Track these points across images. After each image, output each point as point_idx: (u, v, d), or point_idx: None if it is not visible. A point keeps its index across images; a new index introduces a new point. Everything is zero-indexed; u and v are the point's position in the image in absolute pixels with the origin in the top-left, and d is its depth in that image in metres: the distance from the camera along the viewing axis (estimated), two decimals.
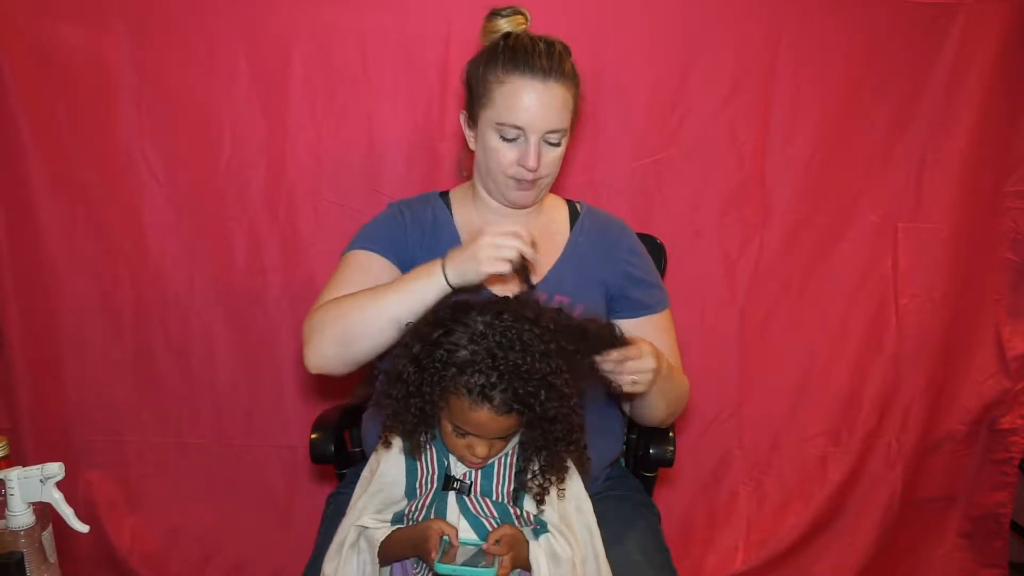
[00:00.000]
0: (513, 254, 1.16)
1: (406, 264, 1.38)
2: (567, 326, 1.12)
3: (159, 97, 1.85)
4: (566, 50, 1.35)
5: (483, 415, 1.04)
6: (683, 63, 1.87)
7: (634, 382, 1.19)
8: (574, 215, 1.49)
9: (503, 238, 1.17)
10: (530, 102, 1.29)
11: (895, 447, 2.08)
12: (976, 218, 2.00)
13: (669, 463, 1.52)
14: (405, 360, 1.09)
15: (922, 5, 1.87)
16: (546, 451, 1.09)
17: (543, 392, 1.04)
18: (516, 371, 1.02)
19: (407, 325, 1.14)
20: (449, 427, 1.09)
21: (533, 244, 1.19)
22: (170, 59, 1.83)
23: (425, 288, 1.20)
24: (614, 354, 1.16)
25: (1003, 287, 2.07)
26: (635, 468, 1.57)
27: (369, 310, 1.23)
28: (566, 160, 1.86)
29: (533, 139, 1.31)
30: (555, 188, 1.53)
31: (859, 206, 1.98)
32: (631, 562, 1.27)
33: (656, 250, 1.67)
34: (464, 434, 1.08)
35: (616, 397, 1.49)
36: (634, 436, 1.60)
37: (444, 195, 1.49)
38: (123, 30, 1.81)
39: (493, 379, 1.02)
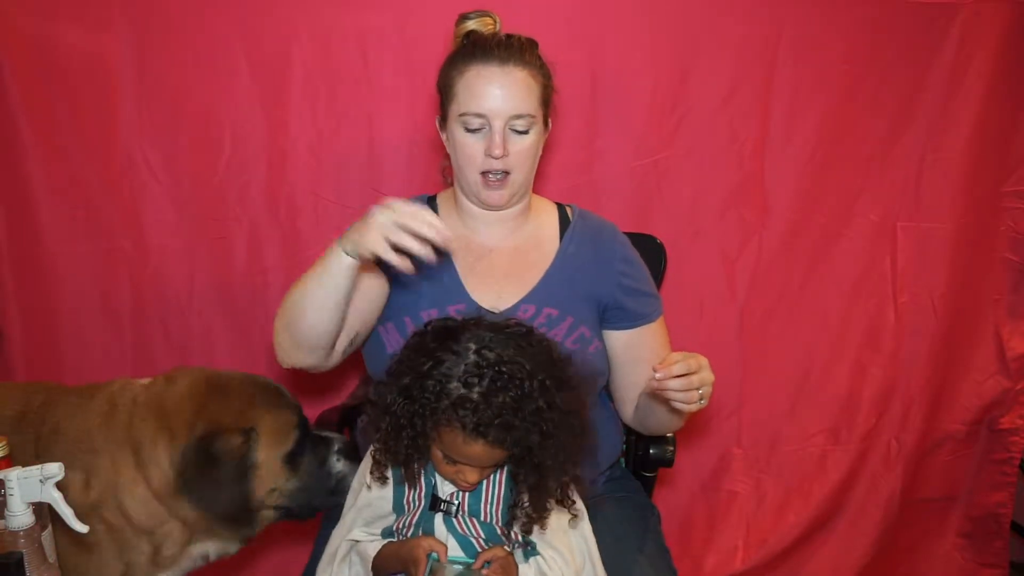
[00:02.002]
0: (408, 244, 1.08)
1: (395, 273, 1.36)
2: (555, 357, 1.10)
3: (159, 97, 1.85)
4: (530, 43, 1.33)
5: (477, 448, 1.03)
6: (683, 63, 1.87)
7: (701, 397, 1.14)
8: (564, 221, 1.45)
9: (404, 220, 1.08)
10: (490, 87, 1.28)
11: (895, 447, 2.08)
12: (976, 218, 2.00)
13: (669, 463, 1.52)
14: (393, 392, 1.07)
15: (922, 5, 1.87)
16: (535, 491, 1.07)
17: (536, 430, 1.03)
18: (511, 410, 1.01)
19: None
20: (440, 455, 1.07)
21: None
22: (170, 59, 1.83)
23: (330, 265, 1.19)
24: (678, 367, 1.10)
25: (1003, 287, 2.07)
26: (635, 469, 1.57)
27: (297, 295, 1.25)
28: (567, 160, 1.88)
29: (497, 125, 1.28)
30: (552, 188, 1.52)
31: (859, 206, 1.98)
32: (631, 563, 1.28)
33: (656, 250, 1.67)
34: (455, 462, 1.07)
35: (609, 399, 1.49)
36: (633, 437, 1.60)
37: (432, 199, 1.48)
38: (124, 30, 1.81)
39: (487, 416, 1.01)
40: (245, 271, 1.94)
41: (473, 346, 1.04)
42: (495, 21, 1.36)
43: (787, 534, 2.08)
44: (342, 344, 1.33)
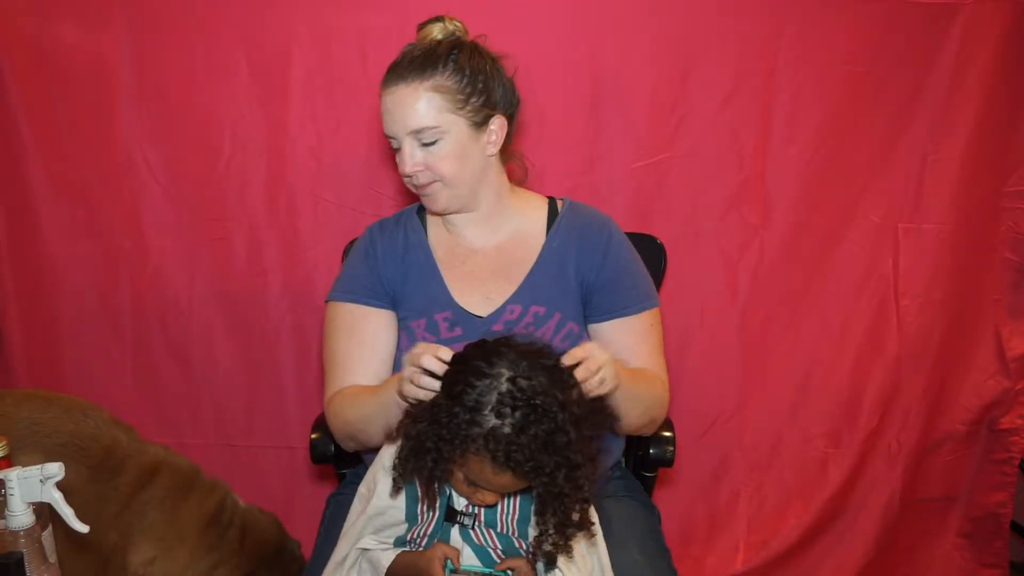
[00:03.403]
0: (423, 394, 1.08)
1: (392, 297, 1.40)
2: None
3: (159, 97, 1.85)
4: (438, 50, 1.30)
5: (504, 479, 1.01)
6: (684, 63, 1.87)
7: (602, 380, 1.11)
8: (553, 215, 1.43)
9: (419, 367, 1.08)
10: (390, 108, 1.30)
11: (895, 447, 2.08)
12: (976, 218, 2.00)
13: (669, 463, 1.52)
14: (422, 411, 1.05)
15: (922, 5, 1.87)
16: (560, 522, 1.05)
17: (565, 463, 1.01)
18: (543, 445, 0.99)
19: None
20: (461, 476, 1.05)
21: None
22: (170, 59, 1.83)
23: (391, 403, 1.19)
24: (567, 359, 1.09)
25: (1003, 287, 2.06)
26: (635, 469, 1.57)
27: (362, 422, 1.30)
28: (567, 161, 1.88)
29: (404, 142, 1.30)
30: (553, 189, 1.52)
31: (860, 206, 1.98)
32: (632, 563, 1.27)
33: (656, 250, 1.67)
34: (476, 485, 1.05)
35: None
36: (634, 437, 1.59)
37: (422, 210, 1.47)
38: (123, 30, 1.81)
39: (518, 451, 0.98)
40: (245, 272, 1.94)
41: (506, 373, 1.01)
42: (445, 23, 1.34)
43: (788, 535, 2.08)
44: None
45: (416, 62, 1.30)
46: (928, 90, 1.91)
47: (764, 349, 2.03)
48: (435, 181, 1.33)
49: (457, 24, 1.35)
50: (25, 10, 1.79)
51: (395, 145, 1.33)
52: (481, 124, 1.33)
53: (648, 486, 1.55)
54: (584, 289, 1.39)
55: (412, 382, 1.09)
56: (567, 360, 1.09)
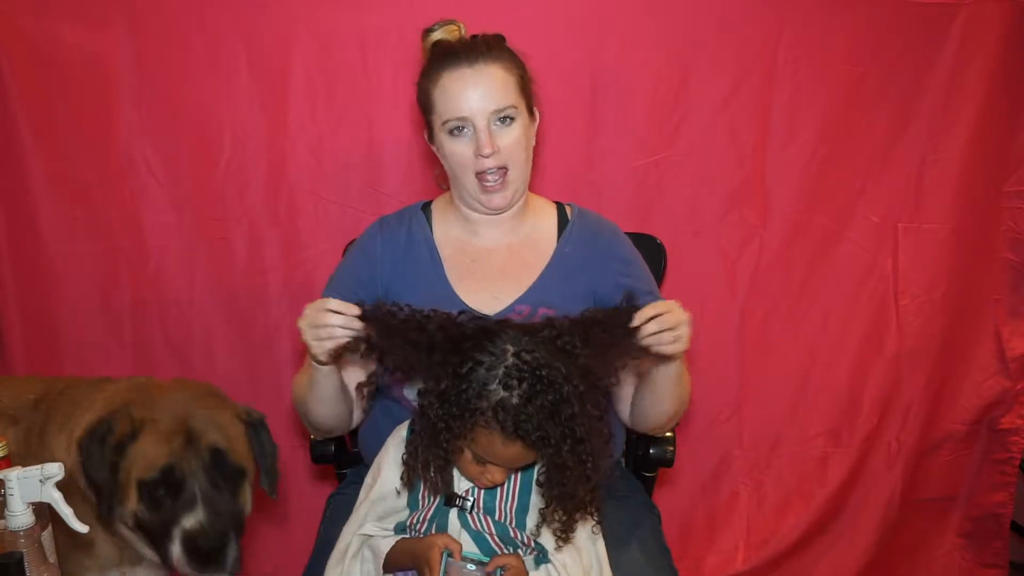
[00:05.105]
0: (332, 342, 1.14)
1: (384, 300, 1.38)
2: (581, 327, 1.10)
3: (159, 97, 1.85)
4: (496, 38, 1.34)
5: (514, 450, 1.03)
6: (684, 63, 1.87)
7: (676, 339, 1.15)
8: (563, 220, 1.44)
9: (317, 320, 1.14)
10: (464, 89, 1.29)
11: (895, 447, 2.08)
12: (976, 218, 2.00)
13: (669, 463, 1.52)
14: (431, 396, 1.06)
15: (922, 5, 1.87)
16: (564, 499, 1.06)
17: (571, 435, 1.02)
18: (549, 414, 1.01)
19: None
20: (469, 455, 1.06)
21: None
22: (170, 59, 1.83)
23: (313, 370, 1.27)
24: (648, 311, 1.12)
25: (1003, 287, 2.07)
26: (635, 469, 1.57)
27: (299, 393, 1.37)
28: (567, 160, 1.88)
29: (480, 123, 1.29)
30: (553, 188, 1.52)
31: (859, 206, 1.98)
32: (632, 562, 1.27)
33: (656, 250, 1.67)
34: (484, 462, 1.06)
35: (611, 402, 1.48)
36: (634, 437, 1.59)
37: (427, 206, 1.47)
38: (123, 30, 1.81)
39: (527, 419, 1.00)
40: (245, 271, 1.94)
41: (511, 348, 1.04)
42: (459, 28, 1.36)
43: (787, 535, 2.08)
44: (359, 407, 1.40)
45: (480, 46, 1.31)
46: (928, 90, 1.92)
47: (764, 348, 2.03)
48: (505, 169, 1.32)
49: (463, 28, 1.36)
50: (25, 10, 1.79)
51: (461, 129, 1.31)
52: (531, 114, 1.36)
53: (648, 486, 1.55)
54: (599, 297, 1.38)
55: (319, 340, 1.14)
56: (643, 315, 1.11)
